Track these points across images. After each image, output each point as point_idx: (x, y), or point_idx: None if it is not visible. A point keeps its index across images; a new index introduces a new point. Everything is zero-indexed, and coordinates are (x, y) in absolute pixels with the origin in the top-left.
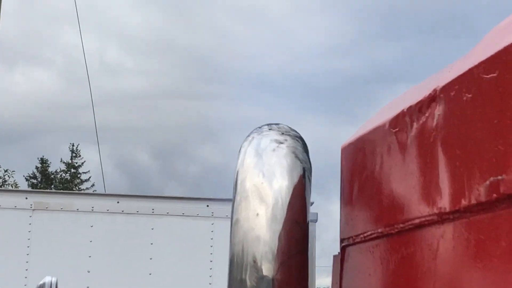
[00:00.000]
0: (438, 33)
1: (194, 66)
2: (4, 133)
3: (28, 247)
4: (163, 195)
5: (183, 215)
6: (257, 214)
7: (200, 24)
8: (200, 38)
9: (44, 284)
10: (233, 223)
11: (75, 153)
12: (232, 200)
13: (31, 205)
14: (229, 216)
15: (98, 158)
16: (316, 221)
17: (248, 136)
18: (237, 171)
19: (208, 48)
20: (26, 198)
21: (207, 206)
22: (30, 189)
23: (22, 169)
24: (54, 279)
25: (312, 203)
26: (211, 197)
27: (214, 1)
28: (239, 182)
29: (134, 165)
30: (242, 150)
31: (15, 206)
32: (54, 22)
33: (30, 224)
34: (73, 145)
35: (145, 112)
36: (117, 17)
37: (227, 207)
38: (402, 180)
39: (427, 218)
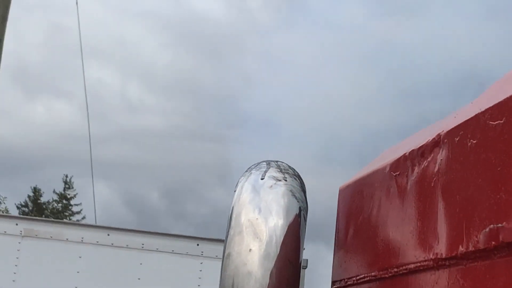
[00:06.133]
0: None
1: (216, 108)
2: (14, 161)
3: (14, 273)
4: (153, 231)
5: (172, 252)
6: (250, 250)
7: (227, 67)
8: (226, 81)
9: None
10: (225, 257)
11: (68, 185)
12: (225, 235)
13: (21, 231)
14: (219, 256)
15: (103, 191)
16: (306, 267)
17: (246, 171)
18: (233, 206)
19: (232, 91)
20: (17, 224)
21: (197, 245)
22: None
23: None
24: None
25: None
26: (203, 236)
27: (245, 45)
28: (234, 216)
29: (143, 203)
30: (239, 184)
31: (5, 232)
32: (78, 56)
33: (18, 250)
34: (66, 176)
35: (160, 150)
36: (143, 54)
37: (217, 247)
38: (399, 224)
39: (422, 263)
